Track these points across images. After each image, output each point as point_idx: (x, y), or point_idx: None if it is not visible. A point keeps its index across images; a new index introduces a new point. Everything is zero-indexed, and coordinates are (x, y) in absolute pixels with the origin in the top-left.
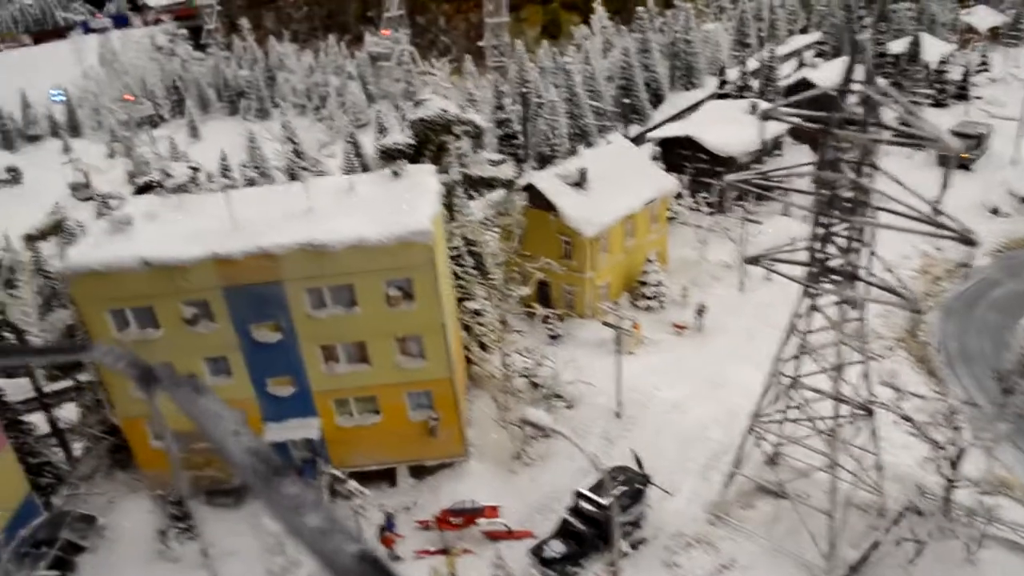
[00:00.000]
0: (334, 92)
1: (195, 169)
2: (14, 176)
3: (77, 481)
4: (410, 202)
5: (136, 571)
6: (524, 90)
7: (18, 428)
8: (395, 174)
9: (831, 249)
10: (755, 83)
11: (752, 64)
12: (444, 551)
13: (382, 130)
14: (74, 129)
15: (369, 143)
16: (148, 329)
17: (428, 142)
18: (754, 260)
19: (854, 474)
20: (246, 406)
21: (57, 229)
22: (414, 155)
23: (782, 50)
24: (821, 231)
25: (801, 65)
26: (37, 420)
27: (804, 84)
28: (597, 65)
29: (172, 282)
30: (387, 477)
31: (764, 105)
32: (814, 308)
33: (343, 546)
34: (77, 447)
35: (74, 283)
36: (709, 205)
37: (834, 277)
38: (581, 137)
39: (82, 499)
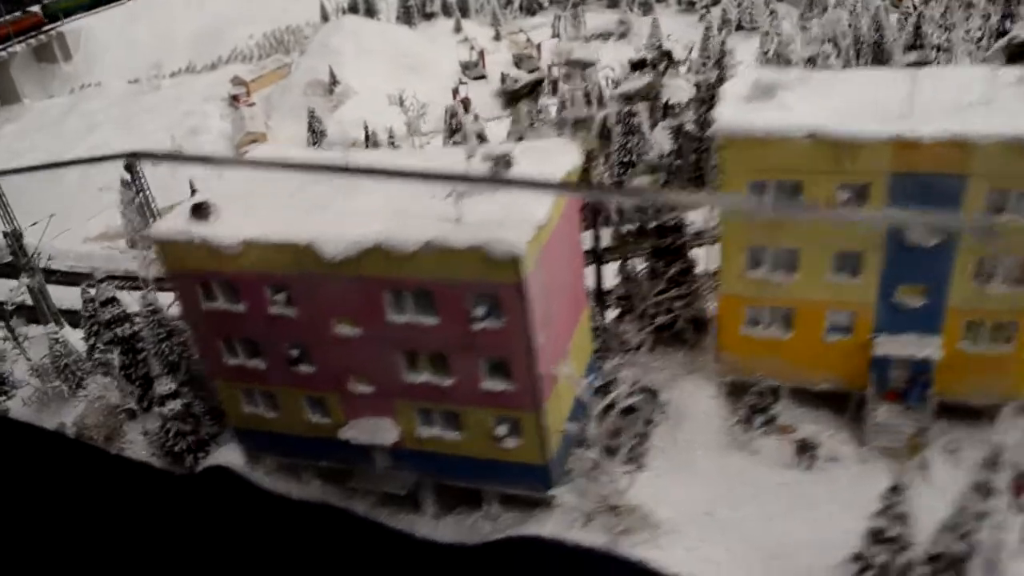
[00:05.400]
0: None
1: (667, 53)
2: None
3: (629, 350)
4: None
5: (710, 455)
6: None
7: None
8: None
9: None
10: None
11: None
12: None
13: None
14: (463, 10)
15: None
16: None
17: None
18: None
19: None
20: (859, 311)
21: (651, 90)
22: None
23: None
24: None
25: None
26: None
27: None
28: None
29: (834, 160)
30: (990, 415)
31: None
32: None
33: None
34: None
35: (723, 147)
36: None
37: None
38: None
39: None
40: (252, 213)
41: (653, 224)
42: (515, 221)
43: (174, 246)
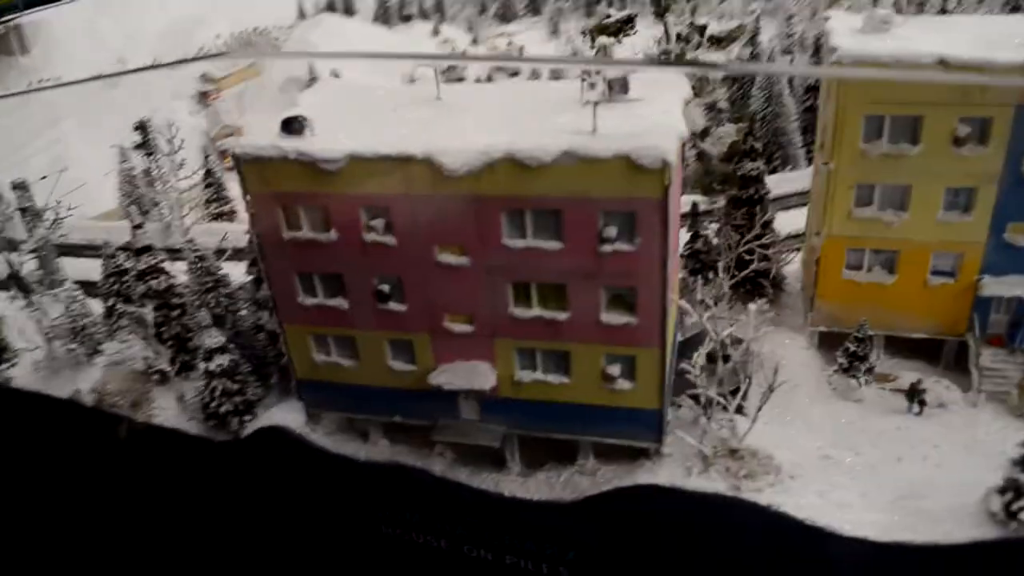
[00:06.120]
0: None
1: (702, 28)
2: None
3: (712, 304)
4: None
5: (815, 403)
6: None
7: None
8: None
9: None
10: None
11: None
12: None
13: None
14: (441, 14)
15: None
16: (903, 144)
17: None
18: None
19: None
20: (966, 252)
21: (740, 32)
22: None
23: None
24: None
25: None
26: None
27: None
28: None
29: (959, 90)
30: None
31: None
32: None
33: None
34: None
35: (842, 84)
36: None
37: None
38: None
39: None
40: (348, 132)
41: (737, 171)
42: (654, 132)
43: (259, 164)
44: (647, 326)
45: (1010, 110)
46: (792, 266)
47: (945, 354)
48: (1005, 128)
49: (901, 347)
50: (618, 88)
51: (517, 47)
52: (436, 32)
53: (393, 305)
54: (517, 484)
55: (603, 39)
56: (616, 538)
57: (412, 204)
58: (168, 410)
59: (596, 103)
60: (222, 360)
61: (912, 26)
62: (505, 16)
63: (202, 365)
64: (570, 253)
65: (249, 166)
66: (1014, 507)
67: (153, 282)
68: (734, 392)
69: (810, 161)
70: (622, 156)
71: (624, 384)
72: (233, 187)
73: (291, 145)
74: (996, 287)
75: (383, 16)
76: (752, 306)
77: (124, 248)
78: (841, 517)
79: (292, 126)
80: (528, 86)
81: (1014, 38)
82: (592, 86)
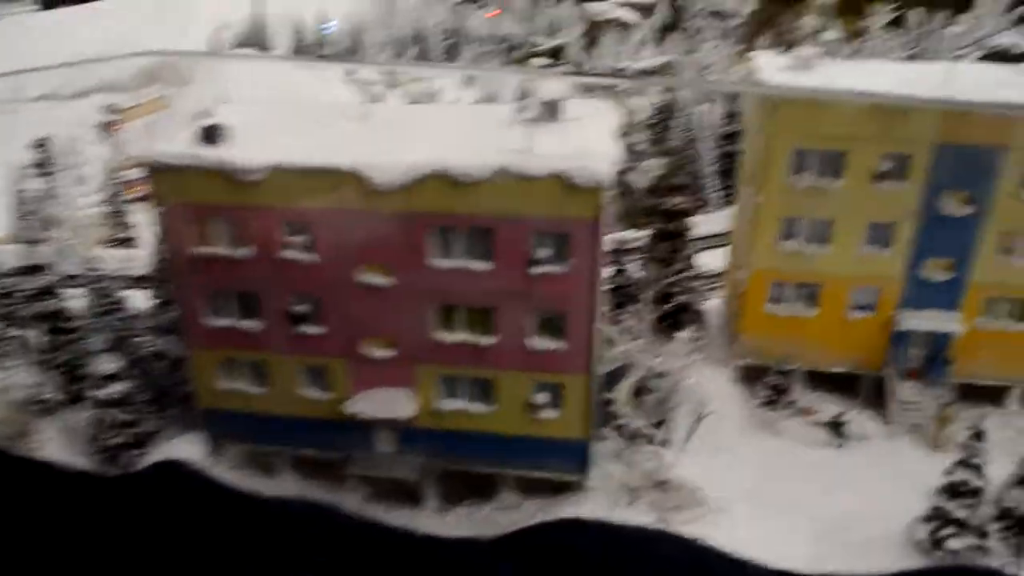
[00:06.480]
0: None
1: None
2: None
3: (635, 338)
4: None
5: (739, 436)
6: None
7: None
8: None
9: None
10: None
11: None
12: None
13: None
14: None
15: None
16: (827, 178)
17: None
18: None
19: None
20: (884, 286)
21: (668, 69)
22: None
23: None
24: None
25: None
26: None
27: None
28: None
29: (883, 126)
30: (996, 395)
31: None
32: None
33: None
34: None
35: (770, 115)
36: None
37: None
38: None
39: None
40: (271, 143)
41: (660, 206)
42: (589, 154)
43: (173, 173)
44: (576, 351)
45: (928, 147)
46: (711, 303)
47: (864, 388)
48: (924, 165)
49: (822, 381)
50: (551, 111)
51: (433, 91)
52: (350, 71)
53: (309, 328)
54: (435, 521)
55: (538, 60)
56: (540, 575)
57: (336, 220)
58: (53, 442)
59: (532, 121)
60: (115, 388)
61: (833, 67)
62: (423, 60)
63: (92, 393)
64: (499, 274)
65: (161, 175)
66: (939, 535)
67: (43, 304)
68: (659, 424)
69: (727, 204)
70: (557, 175)
71: (550, 413)
72: (136, 217)
73: (209, 154)
74: (913, 321)
75: (298, 54)
76: (682, 334)
77: (13, 272)
78: (768, 550)
79: (210, 135)
80: (459, 108)
81: (924, 78)
82: (524, 109)
